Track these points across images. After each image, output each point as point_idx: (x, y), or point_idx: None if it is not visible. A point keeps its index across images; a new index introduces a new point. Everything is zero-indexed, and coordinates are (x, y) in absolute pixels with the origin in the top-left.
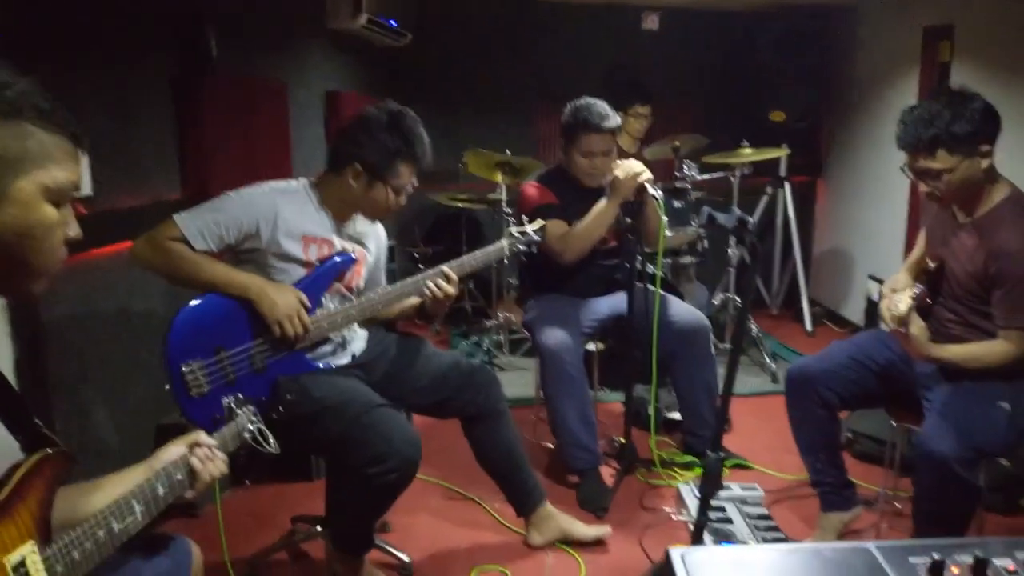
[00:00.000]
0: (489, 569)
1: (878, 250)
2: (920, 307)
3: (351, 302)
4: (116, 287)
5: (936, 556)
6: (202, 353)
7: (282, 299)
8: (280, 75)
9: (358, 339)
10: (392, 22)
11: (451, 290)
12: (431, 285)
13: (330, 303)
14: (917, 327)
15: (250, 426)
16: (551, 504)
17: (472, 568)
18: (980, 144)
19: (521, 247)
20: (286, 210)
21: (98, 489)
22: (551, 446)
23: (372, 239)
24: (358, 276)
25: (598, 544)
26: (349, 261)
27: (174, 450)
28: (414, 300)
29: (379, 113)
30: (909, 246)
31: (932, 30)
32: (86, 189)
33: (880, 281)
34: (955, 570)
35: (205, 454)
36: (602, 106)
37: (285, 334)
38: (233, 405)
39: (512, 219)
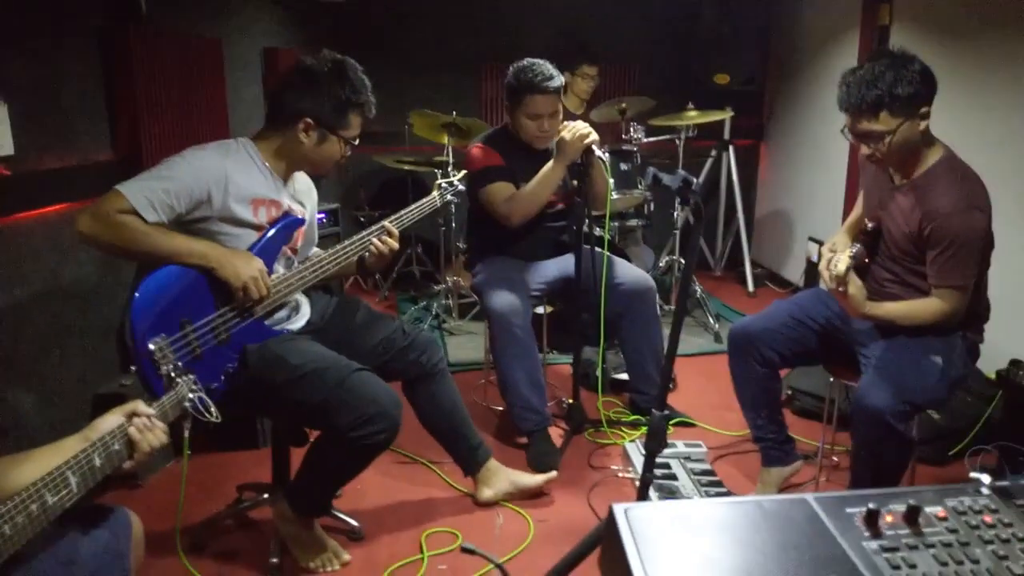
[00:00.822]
0: (439, 531)
1: (818, 212)
2: (859, 267)
3: (304, 264)
4: (42, 254)
5: (871, 505)
6: (168, 328)
7: (243, 263)
8: (215, 30)
9: (305, 304)
10: None
11: (394, 244)
12: (376, 242)
13: (279, 267)
14: (855, 286)
15: (190, 395)
16: (495, 460)
17: (422, 531)
18: (920, 106)
19: (450, 196)
20: (235, 173)
21: (30, 461)
22: (500, 409)
23: (308, 197)
24: (301, 236)
25: (547, 502)
26: (298, 222)
27: (111, 420)
28: (348, 262)
29: (321, 64)
30: (848, 208)
31: None
32: (7, 148)
33: (820, 243)
34: (889, 518)
35: (144, 424)
36: (546, 66)
37: (250, 298)
38: (173, 374)
39: (440, 172)
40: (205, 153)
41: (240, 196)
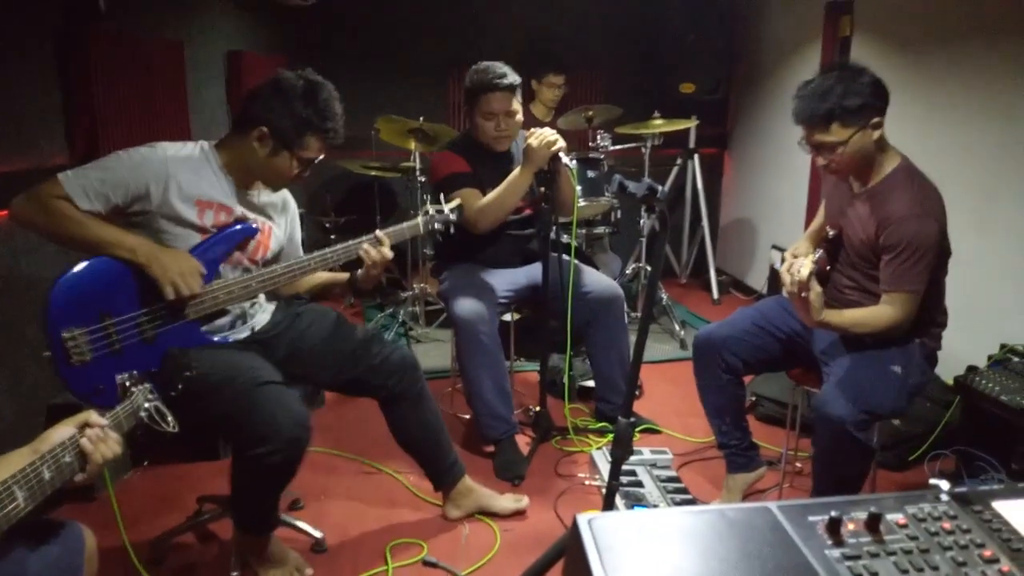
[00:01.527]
0: (405, 542)
1: (781, 220)
2: (820, 273)
3: (253, 273)
4: None
5: (833, 513)
6: (85, 319)
7: (174, 262)
8: (176, 33)
9: (261, 313)
10: None
11: (388, 253)
12: (368, 248)
13: (230, 274)
14: (814, 293)
15: (147, 404)
16: (469, 478)
17: (388, 542)
18: (871, 116)
19: (438, 225)
20: (180, 172)
21: None
22: (467, 417)
23: (281, 212)
24: (264, 249)
25: (515, 513)
26: (250, 230)
27: (62, 431)
28: (340, 277)
29: (296, 80)
30: (810, 216)
31: (833, 5)
32: None
33: (782, 250)
34: (851, 526)
35: (96, 435)
36: (499, 65)
37: (178, 297)
38: (128, 383)
39: (429, 196)
40: (153, 149)
41: (184, 195)
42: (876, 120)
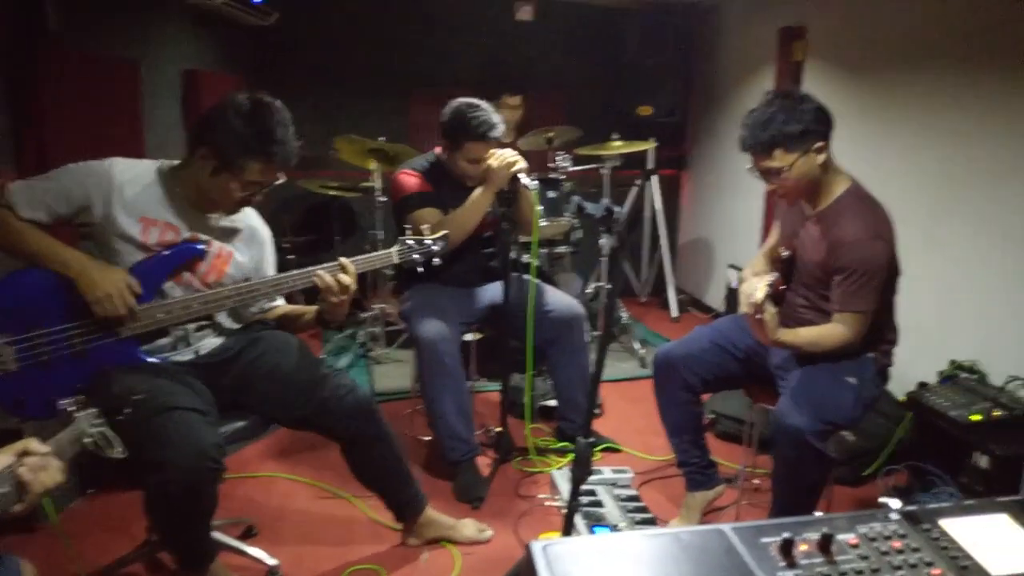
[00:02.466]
0: (362, 568)
1: (737, 240)
2: (775, 294)
3: (198, 295)
4: None
5: (786, 535)
6: (12, 328)
7: (104, 278)
8: (130, 51)
9: (209, 337)
10: (256, 0)
11: (347, 280)
12: (320, 273)
13: (179, 296)
14: (769, 313)
15: (91, 430)
16: (431, 508)
17: (345, 568)
18: (813, 141)
19: (416, 257)
20: (127, 187)
21: None
22: (427, 439)
23: (247, 241)
24: (219, 273)
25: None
26: (195, 251)
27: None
28: (307, 309)
29: (243, 100)
30: (765, 236)
31: (787, 31)
32: None
33: (739, 269)
34: (803, 547)
35: (36, 463)
36: (487, 112)
37: (107, 315)
38: (70, 408)
39: (408, 228)
40: (102, 163)
41: (129, 211)
42: (819, 145)
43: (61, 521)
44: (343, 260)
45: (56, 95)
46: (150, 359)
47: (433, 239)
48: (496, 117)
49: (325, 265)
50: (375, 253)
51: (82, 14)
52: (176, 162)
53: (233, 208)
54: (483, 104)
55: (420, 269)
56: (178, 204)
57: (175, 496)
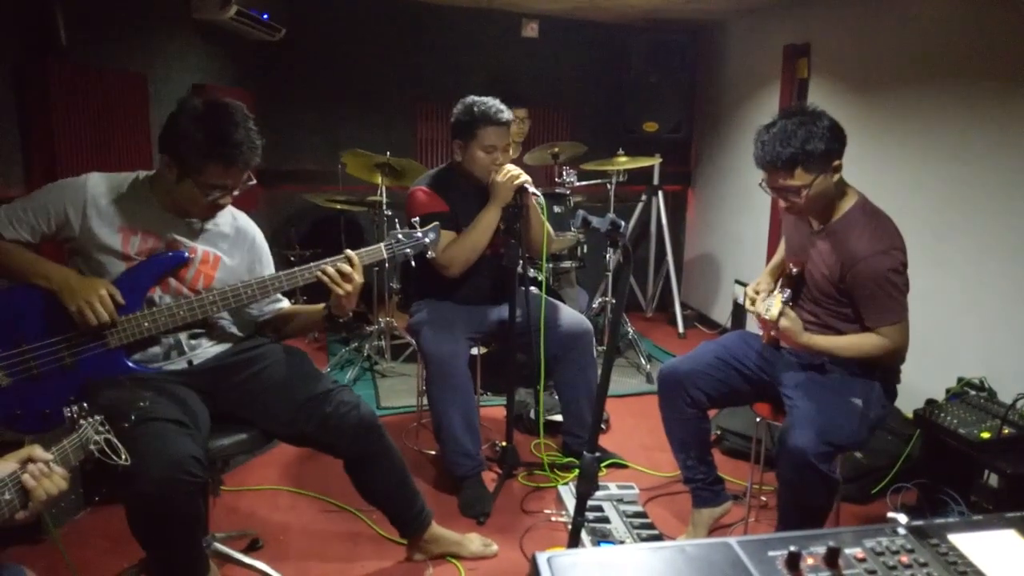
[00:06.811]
0: None
1: (743, 256)
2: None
3: (183, 302)
4: None
5: (792, 548)
6: (3, 343)
7: (82, 287)
8: (139, 66)
9: (204, 346)
10: (264, 15)
11: (345, 268)
12: (329, 269)
13: (166, 303)
14: (789, 319)
15: (96, 437)
16: (436, 524)
17: None
18: (833, 160)
19: (408, 250)
20: (103, 198)
21: None
22: (434, 453)
23: (236, 244)
24: (207, 279)
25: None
26: (179, 258)
27: (3, 467)
28: (313, 308)
29: (196, 104)
30: (771, 252)
31: (791, 48)
32: None
33: (745, 285)
34: (810, 560)
35: (40, 470)
36: (494, 100)
37: (88, 323)
38: (75, 415)
39: (399, 223)
40: (78, 177)
41: (107, 221)
42: (837, 163)
43: (65, 534)
44: (349, 252)
45: (66, 110)
46: (138, 369)
47: (424, 231)
48: (501, 104)
49: (327, 260)
50: (363, 250)
51: (92, 30)
52: (152, 172)
53: (205, 212)
54: (486, 97)
55: (413, 264)
56: (157, 212)
57: (148, 508)
